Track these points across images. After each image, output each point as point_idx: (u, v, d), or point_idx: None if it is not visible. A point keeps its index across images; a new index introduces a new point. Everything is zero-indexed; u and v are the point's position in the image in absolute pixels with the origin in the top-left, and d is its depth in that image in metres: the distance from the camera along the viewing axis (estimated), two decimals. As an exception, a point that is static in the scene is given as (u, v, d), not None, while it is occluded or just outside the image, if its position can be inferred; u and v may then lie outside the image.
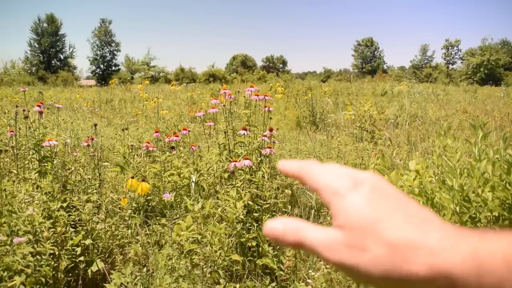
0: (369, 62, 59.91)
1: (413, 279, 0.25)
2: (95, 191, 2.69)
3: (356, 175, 0.29)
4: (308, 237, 0.28)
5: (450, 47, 54.84)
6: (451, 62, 54.99)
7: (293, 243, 0.29)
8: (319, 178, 0.30)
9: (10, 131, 2.96)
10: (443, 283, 0.24)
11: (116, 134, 5.00)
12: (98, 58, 52.06)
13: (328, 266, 1.76)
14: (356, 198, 0.28)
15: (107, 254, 2.21)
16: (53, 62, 48.91)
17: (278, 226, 0.29)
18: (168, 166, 2.93)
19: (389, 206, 0.27)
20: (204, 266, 1.91)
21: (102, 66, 52.22)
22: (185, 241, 1.93)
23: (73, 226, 2.22)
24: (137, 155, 3.37)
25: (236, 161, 2.43)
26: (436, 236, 0.25)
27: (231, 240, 2.07)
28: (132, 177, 2.40)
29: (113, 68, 52.43)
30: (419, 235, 0.25)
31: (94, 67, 52.23)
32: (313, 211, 2.58)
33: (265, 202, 2.35)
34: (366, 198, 0.28)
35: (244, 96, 6.27)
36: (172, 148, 3.26)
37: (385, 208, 0.27)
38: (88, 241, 2.09)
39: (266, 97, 2.91)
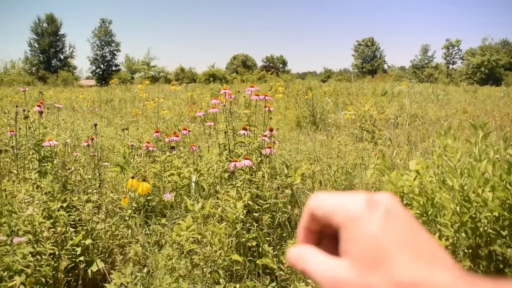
0: (370, 62, 59.89)
1: None
2: (95, 191, 2.69)
3: (371, 196, 0.28)
4: (311, 268, 0.28)
5: (450, 47, 54.85)
6: (451, 62, 55.02)
7: (301, 272, 0.29)
8: (332, 200, 0.29)
9: (10, 131, 2.97)
10: None
11: (116, 134, 5.00)
12: (98, 58, 52.08)
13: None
14: (369, 223, 0.26)
15: (107, 254, 2.20)
16: (53, 62, 48.92)
17: (292, 253, 0.30)
18: (168, 166, 2.93)
19: (401, 237, 0.26)
20: (204, 266, 1.90)
21: (102, 66, 52.24)
22: (185, 241, 1.93)
23: (73, 226, 2.22)
24: (137, 155, 3.37)
25: (236, 161, 2.43)
26: (447, 278, 0.24)
27: (231, 240, 2.07)
28: (133, 177, 2.40)
29: (113, 68, 52.44)
30: (429, 276, 0.24)
31: (94, 67, 52.31)
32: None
33: (265, 202, 2.35)
34: (379, 224, 0.26)
35: (244, 96, 6.28)
36: (172, 148, 3.26)
37: (397, 239, 0.26)
38: (88, 241, 2.09)
39: (266, 97, 2.90)
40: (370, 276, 0.25)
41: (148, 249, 2.12)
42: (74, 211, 2.26)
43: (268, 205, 2.36)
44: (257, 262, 2.08)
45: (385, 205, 0.27)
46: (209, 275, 1.90)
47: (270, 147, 2.56)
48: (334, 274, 0.26)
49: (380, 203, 0.27)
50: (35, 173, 2.66)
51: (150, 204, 2.66)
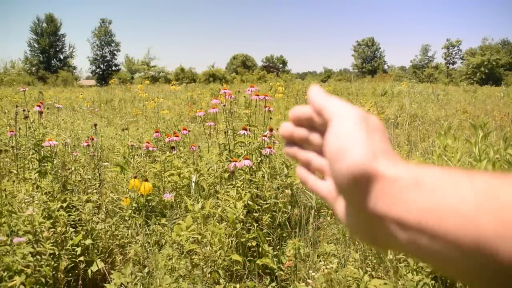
0: (370, 62, 59.85)
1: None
2: (95, 191, 2.69)
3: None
4: (313, 189, 0.38)
5: (450, 47, 54.82)
6: (451, 62, 54.97)
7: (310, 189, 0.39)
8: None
9: (10, 131, 2.96)
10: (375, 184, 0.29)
11: (116, 134, 5.00)
12: (98, 58, 52.05)
13: (328, 267, 1.76)
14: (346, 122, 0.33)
15: (107, 254, 2.20)
16: (53, 62, 48.88)
17: (299, 172, 0.39)
18: (168, 166, 2.93)
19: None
20: (204, 266, 1.90)
21: (102, 66, 52.21)
22: (185, 241, 1.93)
23: (73, 226, 2.22)
24: (137, 155, 3.37)
25: (236, 161, 2.43)
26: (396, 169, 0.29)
27: (231, 240, 2.07)
28: (135, 177, 2.40)
29: (113, 68, 52.41)
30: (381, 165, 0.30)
31: (94, 67, 52.26)
32: (313, 211, 2.58)
33: (265, 202, 2.35)
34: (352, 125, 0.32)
35: (244, 96, 6.28)
36: (172, 148, 3.26)
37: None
38: (88, 241, 2.09)
39: (266, 97, 2.90)
40: (336, 164, 0.31)
41: (148, 249, 2.12)
42: (74, 211, 2.26)
43: (268, 205, 2.36)
44: (257, 262, 2.08)
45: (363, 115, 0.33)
46: (209, 275, 1.90)
47: (270, 147, 2.56)
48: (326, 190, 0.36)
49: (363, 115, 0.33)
50: (35, 173, 2.66)
51: (150, 204, 2.66)
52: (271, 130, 2.70)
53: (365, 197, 0.29)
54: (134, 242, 2.24)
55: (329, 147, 0.32)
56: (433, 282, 1.57)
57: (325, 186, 0.36)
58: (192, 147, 3.12)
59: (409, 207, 0.27)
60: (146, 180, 2.38)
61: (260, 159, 2.69)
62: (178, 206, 2.55)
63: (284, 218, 2.46)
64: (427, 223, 0.26)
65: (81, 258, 2.02)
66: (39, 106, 3.02)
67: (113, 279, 1.76)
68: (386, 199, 0.28)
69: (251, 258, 2.13)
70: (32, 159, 2.90)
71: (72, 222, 2.22)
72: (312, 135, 0.37)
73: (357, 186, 0.30)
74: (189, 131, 3.87)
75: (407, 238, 0.27)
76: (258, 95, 2.91)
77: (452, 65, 55.01)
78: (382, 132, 0.33)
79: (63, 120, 5.89)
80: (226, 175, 2.69)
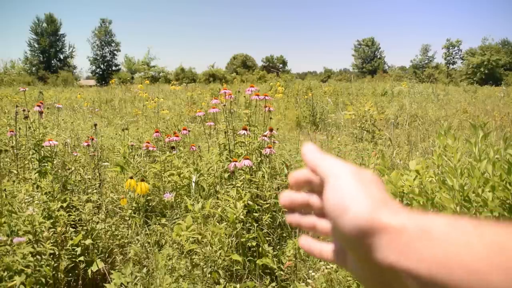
0: (370, 62, 59.82)
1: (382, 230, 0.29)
2: (95, 191, 2.69)
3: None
4: (319, 256, 0.38)
5: (450, 47, 54.80)
6: (451, 62, 54.94)
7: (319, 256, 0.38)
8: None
9: (10, 131, 2.96)
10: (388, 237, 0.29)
11: (116, 134, 5.00)
12: (98, 58, 52.03)
13: (328, 267, 1.76)
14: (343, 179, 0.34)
15: (107, 254, 2.20)
16: (53, 62, 48.89)
17: (302, 244, 0.39)
18: (168, 166, 2.93)
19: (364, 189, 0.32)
20: (204, 266, 1.90)
21: (102, 66, 52.19)
22: (185, 241, 1.93)
23: (73, 226, 2.22)
24: (137, 155, 3.37)
25: (236, 161, 2.43)
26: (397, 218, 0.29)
27: (231, 240, 2.07)
28: (131, 177, 2.40)
29: (113, 68, 52.38)
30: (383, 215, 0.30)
31: (94, 67, 52.23)
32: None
33: (265, 202, 2.35)
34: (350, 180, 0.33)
35: (244, 96, 6.29)
36: (172, 148, 3.26)
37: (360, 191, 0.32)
38: (88, 241, 2.09)
39: (266, 97, 2.90)
40: (339, 219, 0.31)
41: (148, 249, 2.12)
42: (74, 211, 2.26)
43: (268, 205, 2.36)
44: (257, 262, 2.08)
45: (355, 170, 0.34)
46: (209, 275, 1.90)
47: (270, 147, 2.56)
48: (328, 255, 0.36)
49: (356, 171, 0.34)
50: (35, 173, 2.66)
51: (150, 204, 2.66)
52: (271, 130, 2.70)
53: (373, 249, 0.29)
54: (134, 242, 2.24)
55: (329, 203, 0.33)
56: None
57: (331, 250, 0.36)
58: (192, 147, 3.12)
59: (420, 259, 0.27)
60: (142, 180, 2.38)
61: (260, 159, 2.69)
62: (178, 206, 2.55)
63: (284, 218, 2.46)
64: (438, 276, 0.26)
65: (81, 258, 2.02)
66: (39, 106, 3.02)
67: (113, 279, 1.76)
68: (396, 249, 0.28)
69: (251, 258, 2.13)
70: (32, 159, 2.90)
71: (72, 222, 2.22)
72: (312, 197, 0.37)
73: (364, 239, 0.29)
74: (189, 131, 3.87)
75: None
76: (258, 95, 2.91)
77: (452, 65, 54.98)
78: (377, 183, 0.33)
79: (63, 120, 5.89)
80: (226, 175, 2.69)
